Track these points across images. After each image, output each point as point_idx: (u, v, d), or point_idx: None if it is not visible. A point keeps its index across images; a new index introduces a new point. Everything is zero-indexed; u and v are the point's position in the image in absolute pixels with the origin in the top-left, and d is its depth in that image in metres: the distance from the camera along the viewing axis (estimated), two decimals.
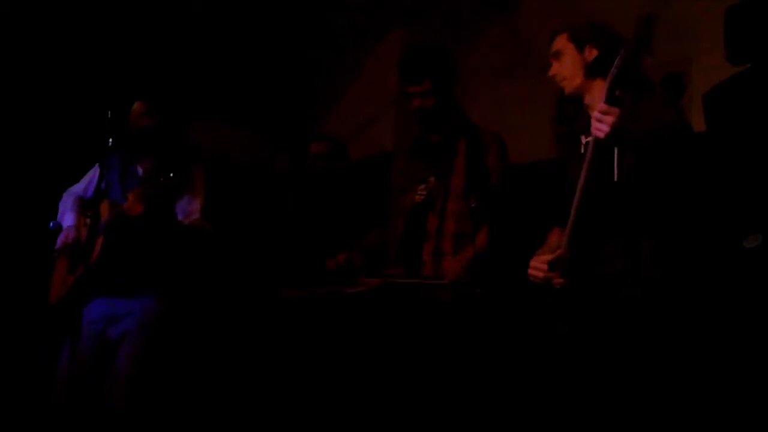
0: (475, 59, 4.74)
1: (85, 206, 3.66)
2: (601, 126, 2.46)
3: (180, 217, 3.60)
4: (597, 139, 2.52)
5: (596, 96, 2.71)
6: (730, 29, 3.32)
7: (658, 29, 2.71)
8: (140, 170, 3.68)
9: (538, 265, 2.72)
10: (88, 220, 3.57)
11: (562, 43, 2.81)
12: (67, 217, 3.66)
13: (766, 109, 3.14)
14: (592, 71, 2.76)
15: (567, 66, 2.79)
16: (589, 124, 2.62)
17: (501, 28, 4.91)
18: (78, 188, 3.75)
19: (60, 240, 3.59)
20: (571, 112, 4.58)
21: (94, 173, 3.71)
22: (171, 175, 3.36)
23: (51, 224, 3.64)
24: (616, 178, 2.57)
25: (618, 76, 2.52)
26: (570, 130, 2.76)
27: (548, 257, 2.69)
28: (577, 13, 3.97)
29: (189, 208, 3.64)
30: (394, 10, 5.24)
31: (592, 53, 2.75)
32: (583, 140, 2.76)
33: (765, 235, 2.96)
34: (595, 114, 2.48)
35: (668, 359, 2.53)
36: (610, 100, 2.52)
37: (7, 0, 4.46)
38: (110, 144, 3.23)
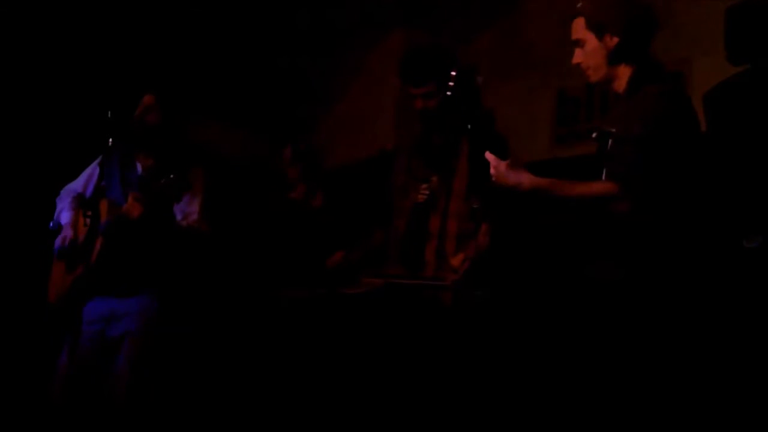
0: (475, 59, 4.74)
1: (84, 205, 3.65)
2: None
3: (179, 218, 3.60)
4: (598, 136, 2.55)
5: (622, 83, 2.69)
6: (730, 29, 3.32)
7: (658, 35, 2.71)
8: (140, 169, 3.68)
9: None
10: (87, 220, 3.56)
11: (581, 31, 2.71)
12: (64, 216, 3.66)
13: (766, 109, 3.13)
14: (615, 58, 2.68)
15: (590, 55, 2.70)
16: (613, 112, 2.63)
17: (501, 28, 4.91)
18: (76, 185, 3.75)
19: (58, 242, 3.59)
20: (571, 112, 4.59)
21: (92, 171, 3.71)
22: (171, 176, 3.36)
23: (51, 224, 3.64)
24: (603, 177, 2.57)
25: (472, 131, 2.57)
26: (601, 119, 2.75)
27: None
28: None
29: (188, 209, 3.63)
30: (394, 10, 5.24)
31: (612, 40, 2.66)
32: (594, 134, 2.74)
33: (765, 235, 2.96)
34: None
35: (667, 361, 2.53)
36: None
37: (7, 0, 4.46)
38: (110, 143, 3.23)
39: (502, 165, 2.58)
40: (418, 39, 4.64)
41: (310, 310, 3.76)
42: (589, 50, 2.70)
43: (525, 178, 2.56)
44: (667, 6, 3.96)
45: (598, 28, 2.68)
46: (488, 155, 2.60)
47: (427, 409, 3.23)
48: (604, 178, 2.59)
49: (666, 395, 2.50)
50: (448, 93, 2.65)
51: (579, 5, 2.74)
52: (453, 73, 2.69)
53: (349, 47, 5.47)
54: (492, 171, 2.60)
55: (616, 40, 2.66)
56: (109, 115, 3.24)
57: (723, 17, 3.36)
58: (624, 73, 2.69)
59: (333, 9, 5.41)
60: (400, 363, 3.30)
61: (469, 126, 2.71)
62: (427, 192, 3.53)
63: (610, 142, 2.55)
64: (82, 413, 3.39)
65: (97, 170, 3.57)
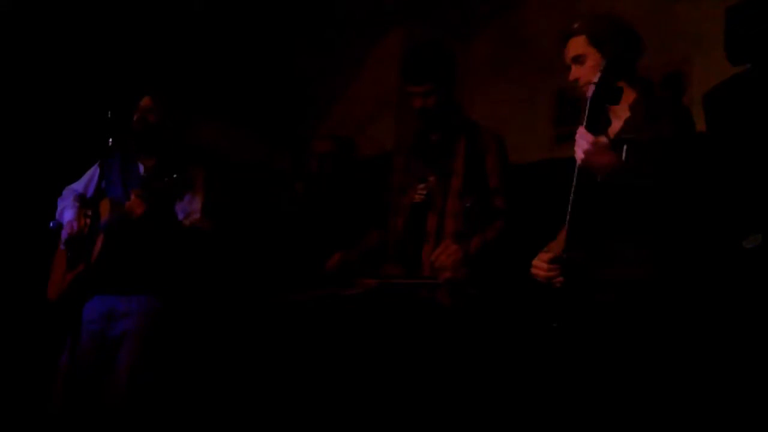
0: (475, 59, 4.74)
1: (85, 204, 3.66)
2: (577, 150, 2.52)
3: (180, 217, 3.60)
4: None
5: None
6: (730, 29, 3.32)
7: (652, 31, 2.73)
8: (141, 168, 3.68)
9: (539, 264, 2.71)
10: (87, 220, 3.57)
11: (582, 47, 2.76)
12: (66, 213, 3.67)
13: (766, 109, 3.14)
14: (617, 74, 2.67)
15: (591, 70, 2.71)
16: (606, 125, 2.63)
17: (501, 28, 4.91)
18: (78, 186, 3.76)
19: (65, 234, 3.59)
20: (571, 112, 4.59)
21: (94, 171, 3.72)
22: (174, 176, 3.36)
23: (51, 224, 3.64)
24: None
25: (594, 102, 2.53)
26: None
27: (550, 255, 2.68)
28: (577, 13, 3.97)
29: (189, 208, 3.64)
30: (394, 9, 5.24)
31: None
32: None
33: (765, 235, 2.96)
34: (577, 134, 2.52)
35: (666, 361, 2.53)
36: (590, 125, 2.53)
37: (8, 0, 4.46)
38: (111, 143, 3.23)
39: (599, 142, 2.53)
40: (418, 39, 4.64)
41: (307, 311, 3.76)
42: (591, 66, 2.72)
43: (608, 159, 2.52)
44: (668, 6, 3.97)
45: (600, 43, 2.72)
46: (581, 130, 2.54)
47: (423, 409, 3.23)
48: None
49: (663, 394, 2.50)
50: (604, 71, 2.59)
51: (576, 25, 2.77)
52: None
53: (348, 46, 5.47)
54: (588, 147, 2.52)
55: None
56: (109, 116, 3.24)
57: (723, 17, 3.36)
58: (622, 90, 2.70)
59: (332, 8, 5.40)
60: (396, 363, 3.30)
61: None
62: (425, 192, 3.54)
63: (624, 148, 2.56)
64: (82, 413, 3.39)
65: (99, 171, 3.58)
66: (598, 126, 2.58)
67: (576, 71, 2.78)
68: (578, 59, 2.76)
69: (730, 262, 3.03)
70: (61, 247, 3.65)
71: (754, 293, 2.96)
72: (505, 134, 3.65)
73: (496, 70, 4.80)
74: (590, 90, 2.55)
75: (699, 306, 2.70)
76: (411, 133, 3.86)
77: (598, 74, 2.53)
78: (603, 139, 2.56)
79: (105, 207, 3.55)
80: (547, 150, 4.53)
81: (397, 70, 4.27)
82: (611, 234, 2.59)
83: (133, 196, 3.43)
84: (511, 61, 4.79)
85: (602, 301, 2.59)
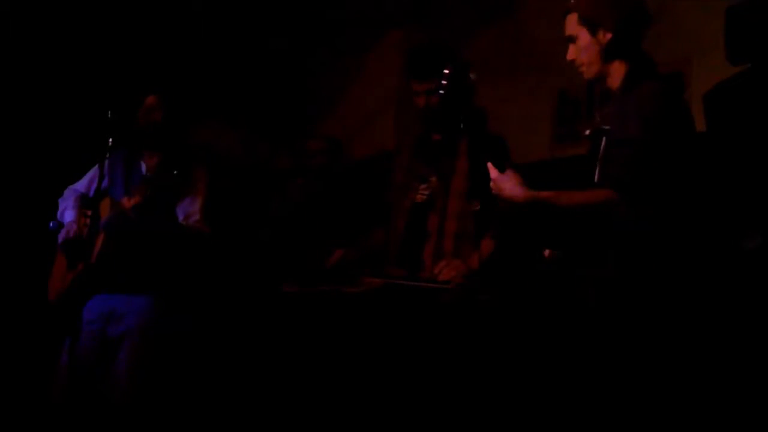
0: (475, 59, 4.74)
1: (86, 204, 3.66)
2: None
3: (180, 218, 3.60)
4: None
5: (616, 79, 2.67)
6: (730, 29, 3.32)
7: (652, 31, 2.71)
8: (144, 168, 3.69)
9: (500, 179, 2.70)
10: (88, 220, 3.57)
11: (574, 27, 2.68)
12: (67, 215, 3.67)
13: (766, 109, 3.14)
14: (609, 54, 2.65)
15: (583, 51, 2.67)
16: (608, 109, 2.62)
17: (501, 28, 4.91)
18: (80, 186, 3.76)
19: (61, 236, 3.59)
20: (571, 112, 4.59)
21: (95, 171, 3.71)
22: (174, 173, 3.36)
23: (51, 224, 3.64)
24: (596, 179, 2.55)
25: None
26: (592, 115, 2.73)
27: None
28: None
29: (190, 209, 3.64)
30: (394, 10, 5.24)
31: (605, 36, 2.64)
32: (587, 131, 2.72)
33: (765, 235, 2.96)
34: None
35: (669, 364, 2.53)
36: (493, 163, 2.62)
37: (7, 0, 4.46)
38: (111, 143, 3.24)
39: (500, 177, 2.58)
40: (418, 39, 4.64)
41: (309, 309, 3.76)
42: (582, 46, 2.67)
43: (519, 191, 2.55)
44: (667, 6, 3.96)
45: (590, 24, 2.65)
46: (489, 166, 2.58)
47: (423, 410, 3.23)
48: (596, 178, 2.58)
49: (668, 399, 2.50)
50: (441, 92, 2.63)
51: (572, 1, 2.72)
52: (446, 71, 2.67)
53: (349, 47, 5.48)
54: (492, 185, 2.58)
55: (609, 35, 2.64)
56: (110, 115, 3.25)
57: (723, 17, 3.36)
58: (618, 69, 2.67)
59: (332, 9, 5.41)
60: (399, 363, 3.30)
61: (461, 124, 2.69)
62: (427, 192, 3.54)
63: (603, 140, 2.54)
64: (82, 413, 3.39)
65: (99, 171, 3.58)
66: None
67: (571, 51, 2.71)
68: (571, 39, 2.69)
69: (730, 262, 3.03)
70: (59, 248, 3.65)
71: (753, 293, 2.96)
72: (505, 134, 3.65)
73: (496, 71, 4.80)
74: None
75: (698, 307, 2.69)
76: (412, 132, 3.86)
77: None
78: (505, 182, 2.60)
79: (106, 207, 3.55)
80: (546, 150, 4.53)
81: (396, 70, 4.27)
82: (580, 233, 2.58)
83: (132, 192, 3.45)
84: (511, 61, 4.78)
85: (589, 303, 2.58)
